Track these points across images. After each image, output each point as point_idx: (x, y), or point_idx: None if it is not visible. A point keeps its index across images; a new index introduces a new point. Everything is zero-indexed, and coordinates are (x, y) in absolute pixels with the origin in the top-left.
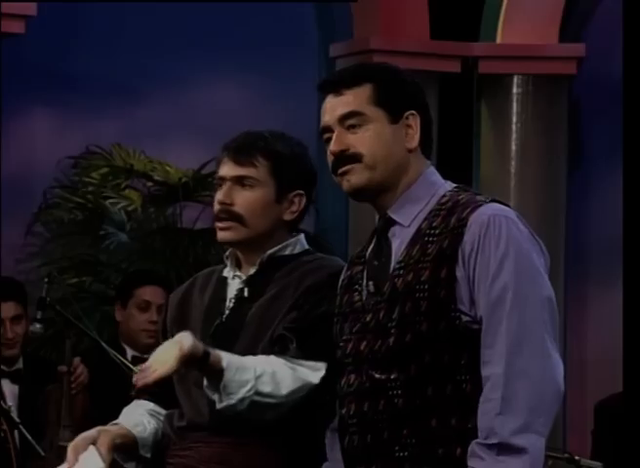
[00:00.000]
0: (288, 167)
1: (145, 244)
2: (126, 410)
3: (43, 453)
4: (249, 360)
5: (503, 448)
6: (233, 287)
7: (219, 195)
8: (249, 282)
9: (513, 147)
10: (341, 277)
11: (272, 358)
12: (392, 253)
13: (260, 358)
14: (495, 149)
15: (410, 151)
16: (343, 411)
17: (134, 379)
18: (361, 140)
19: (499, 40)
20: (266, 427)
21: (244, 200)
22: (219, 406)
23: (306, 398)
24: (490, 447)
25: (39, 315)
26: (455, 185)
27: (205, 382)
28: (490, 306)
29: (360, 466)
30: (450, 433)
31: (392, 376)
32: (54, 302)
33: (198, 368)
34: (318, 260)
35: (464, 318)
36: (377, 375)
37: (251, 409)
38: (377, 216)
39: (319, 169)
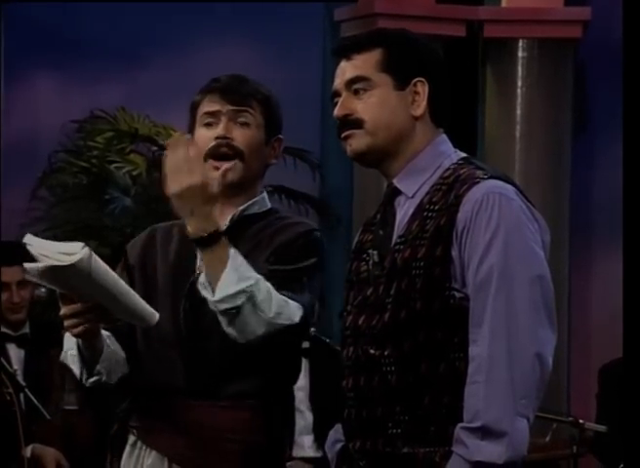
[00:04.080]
0: (274, 111)
1: (150, 208)
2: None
3: (48, 417)
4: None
5: (486, 433)
6: None
7: (216, 132)
8: None
9: (518, 111)
10: (354, 240)
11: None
12: (396, 224)
13: None
14: (500, 113)
15: (416, 119)
16: (344, 383)
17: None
18: (364, 106)
19: (504, 3)
20: (243, 391)
21: (244, 136)
22: (213, 298)
23: (286, 338)
24: (473, 430)
25: None
26: (460, 157)
27: (203, 271)
28: (477, 286)
29: (357, 439)
30: (442, 411)
31: (386, 353)
32: None
33: (205, 245)
34: (287, 219)
35: (458, 296)
36: (371, 351)
37: (237, 316)
38: (383, 182)
39: (324, 133)
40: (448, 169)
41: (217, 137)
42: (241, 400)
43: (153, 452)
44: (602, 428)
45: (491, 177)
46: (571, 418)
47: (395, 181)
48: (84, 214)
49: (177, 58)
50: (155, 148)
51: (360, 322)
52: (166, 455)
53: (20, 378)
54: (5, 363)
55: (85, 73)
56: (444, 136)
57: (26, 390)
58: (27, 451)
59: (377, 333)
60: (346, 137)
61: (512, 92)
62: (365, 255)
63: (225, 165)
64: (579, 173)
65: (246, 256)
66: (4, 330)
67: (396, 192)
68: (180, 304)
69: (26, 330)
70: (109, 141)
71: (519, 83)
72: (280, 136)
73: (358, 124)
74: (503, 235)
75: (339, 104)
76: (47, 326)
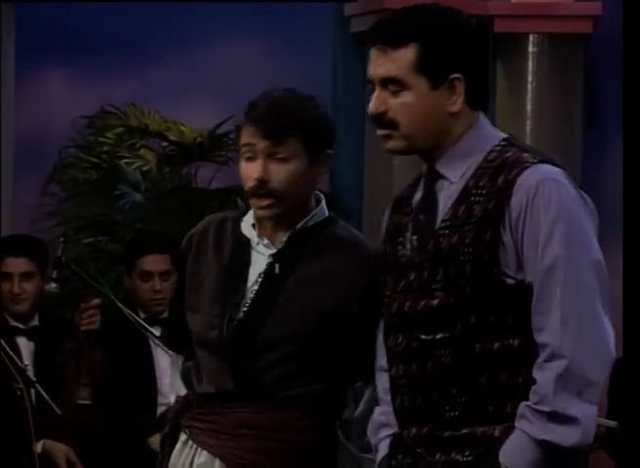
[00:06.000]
0: (317, 135)
1: (160, 204)
2: None
3: (59, 412)
4: None
5: (554, 417)
6: (259, 255)
7: (254, 171)
8: (278, 256)
9: (529, 107)
10: (384, 221)
11: None
12: (439, 208)
13: None
14: (510, 109)
15: (452, 115)
16: (393, 371)
17: None
18: (399, 107)
19: None
20: (300, 394)
21: (280, 175)
22: None
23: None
24: (540, 412)
25: (54, 274)
26: (502, 138)
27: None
28: (542, 274)
29: (413, 426)
30: (500, 389)
31: (438, 336)
32: (69, 262)
33: None
34: (347, 236)
35: (509, 280)
36: (423, 336)
37: None
38: (393, 175)
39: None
40: (492, 151)
41: (254, 179)
42: (277, 402)
43: (204, 452)
44: (613, 424)
45: (540, 162)
46: None
47: (437, 166)
48: (94, 209)
49: (186, 53)
50: (165, 144)
51: (406, 308)
52: (217, 455)
53: (30, 372)
54: (15, 358)
55: (95, 69)
56: (483, 120)
57: (37, 385)
58: (38, 447)
59: (425, 318)
60: (383, 136)
61: (523, 87)
62: (401, 239)
63: (265, 202)
64: (589, 168)
65: (317, 279)
66: (14, 323)
67: (437, 176)
68: (235, 313)
69: (36, 322)
70: (120, 137)
71: (529, 78)
72: (329, 151)
73: (393, 125)
74: (564, 221)
75: (373, 100)
76: (57, 319)
